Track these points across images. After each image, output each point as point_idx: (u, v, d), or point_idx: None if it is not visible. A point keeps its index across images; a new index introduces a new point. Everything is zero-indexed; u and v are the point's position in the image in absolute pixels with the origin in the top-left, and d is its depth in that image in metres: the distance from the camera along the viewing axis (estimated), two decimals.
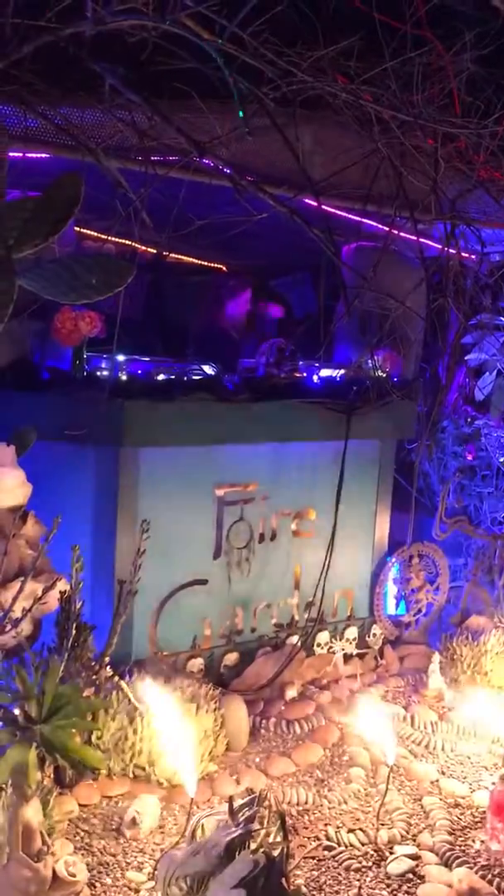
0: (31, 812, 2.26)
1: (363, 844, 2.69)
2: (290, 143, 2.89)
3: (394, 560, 4.27)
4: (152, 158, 3.25)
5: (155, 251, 5.28)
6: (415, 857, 2.62)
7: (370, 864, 2.60)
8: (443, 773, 3.17)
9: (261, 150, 3.40)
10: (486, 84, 3.37)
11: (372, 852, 2.65)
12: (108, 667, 3.01)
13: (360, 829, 2.75)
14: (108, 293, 2.13)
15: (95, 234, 4.96)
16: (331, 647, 3.91)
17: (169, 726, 2.73)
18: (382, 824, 2.77)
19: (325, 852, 2.64)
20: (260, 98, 2.78)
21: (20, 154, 3.27)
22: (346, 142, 3.42)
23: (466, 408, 5.40)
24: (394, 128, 3.14)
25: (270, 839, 2.24)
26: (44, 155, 3.45)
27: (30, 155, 3.34)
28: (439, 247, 4.07)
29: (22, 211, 2.19)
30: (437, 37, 3.24)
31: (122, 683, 3.02)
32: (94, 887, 2.41)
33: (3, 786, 2.24)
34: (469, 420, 5.34)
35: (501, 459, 5.06)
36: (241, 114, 2.49)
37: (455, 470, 5.15)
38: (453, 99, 3.35)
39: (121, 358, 3.57)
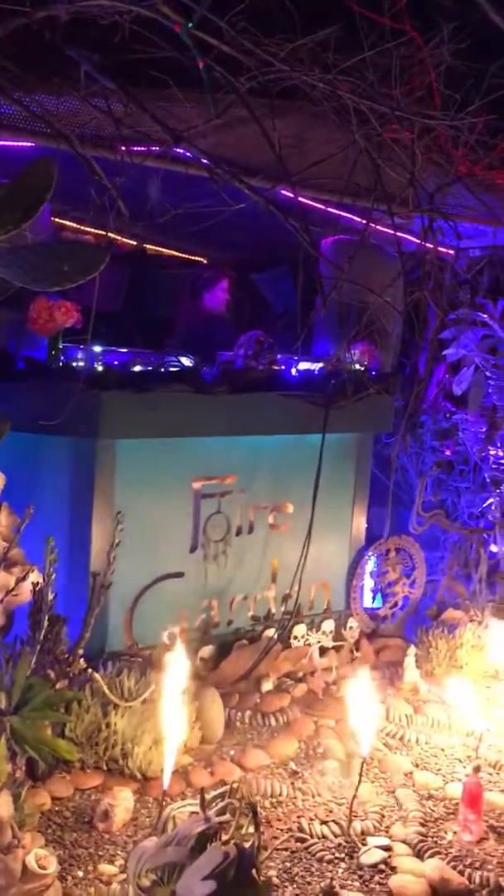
0: (1, 804, 2.24)
1: (336, 836, 2.69)
2: (266, 134, 2.88)
3: (371, 553, 4.28)
4: (130, 148, 3.22)
5: (133, 242, 5.26)
6: (387, 849, 2.63)
7: (342, 855, 2.61)
8: (417, 765, 3.18)
9: (238, 141, 3.39)
10: (465, 77, 3.37)
11: (344, 844, 2.66)
12: (82, 659, 2.99)
13: (334, 821, 2.75)
14: (82, 280, 2.10)
15: (73, 224, 4.94)
16: (307, 640, 3.91)
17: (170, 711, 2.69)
18: (355, 816, 2.77)
19: (298, 844, 2.64)
20: (236, 88, 2.77)
21: None
22: (323, 133, 3.41)
23: (445, 403, 5.42)
24: (372, 120, 3.13)
25: (242, 831, 2.24)
26: (19, 143, 3.42)
27: (3, 143, 3.32)
28: (418, 241, 4.07)
29: None
30: (415, 29, 3.24)
31: (96, 676, 3.00)
32: (66, 880, 2.40)
33: None
34: (447, 415, 5.36)
35: (478, 454, 5.08)
36: (210, 100, 2.47)
37: (432, 464, 5.16)
38: (432, 92, 3.35)
39: (97, 349, 3.54)
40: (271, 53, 2.81)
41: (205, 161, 3.01)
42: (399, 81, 3.18)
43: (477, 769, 2.80)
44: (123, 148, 3.04)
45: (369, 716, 2.87)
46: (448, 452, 5.32)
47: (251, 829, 2.25)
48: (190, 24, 2.34)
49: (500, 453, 5.06)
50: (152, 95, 2.98)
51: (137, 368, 3.60)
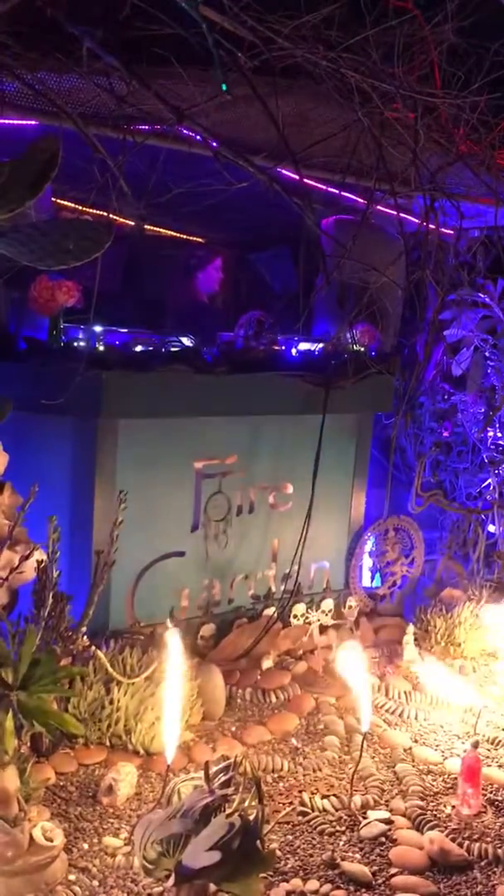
0: (8, 778, 2.27)
1: (337, 810, 2.73)
2: (270, 112, 2.87)
3: (370, 533, 4.31)
4: (132, 126, 3.21)
5: (131, 223, 5.23)
6: (387, 822, 2.67)
7: (343, 828, 2.64)
8: (416, 741, 3.22)
9: (240, 120, 3.37)
10: (467, 55, 3.36)
11: (345, 817, 2.70)
12: (85, 637, 3.01)
13: (335, 795, 2.79)
14: (86, 259, 2.10)
15: (73, 204, 4.92)
16: (307, 619, 3.94)
17: (171, 690, 2.72)
18: (356, 790, 2.81)
19: (300, 817, 2.68)
20: (240, 65, 2.75)
21: None
22: (325, 112, 3.40)
23: (443, 385, 5.43)
24: (374, 98, 3.12)
25: (246, 804, 2.27)
26: (20, 122, 3.40)
27: (5, 121, 3.30)
28: (418, 221, 4.07)
29: None
30: (417, 7, 3.22)
31: (99, 653, 3.03)
32: (71, 852, 2.43)
33: None
34: (445, 396, 5.37)
35: (477, 435, 5.10)
36: (218, 76, 2.46)
37: (431, 445, 5.18)
38: (434, 70, 3.34)
39: (98, 329, 3.55)
40: (274, 31, 2.79)
41: (209, 140, 2.99)
42: (401, 60, 3.16)
43: (475, 745, 2.84)
44: (125, 126, 3.03)
45: (365, 689, 2.91)
46: (446, 434, 5.34)
47: (254, 802, 2.28)
48: (198, 0, 2.33)
49: (499, 434, 5.08)
50: (154, 73, 2.97)
51: (138, 349, 3.61)
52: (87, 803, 2.69)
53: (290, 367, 3.94)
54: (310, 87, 3.20)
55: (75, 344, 3.57)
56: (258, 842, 2.16)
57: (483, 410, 5.09)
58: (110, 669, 3.00)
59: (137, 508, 3.35)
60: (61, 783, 2.79)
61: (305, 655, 3.80)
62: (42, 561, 2.77)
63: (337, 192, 4.00)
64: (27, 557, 2.68)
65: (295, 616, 3.93)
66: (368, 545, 4.32)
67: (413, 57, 3.30)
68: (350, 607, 4.12)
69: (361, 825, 2.65)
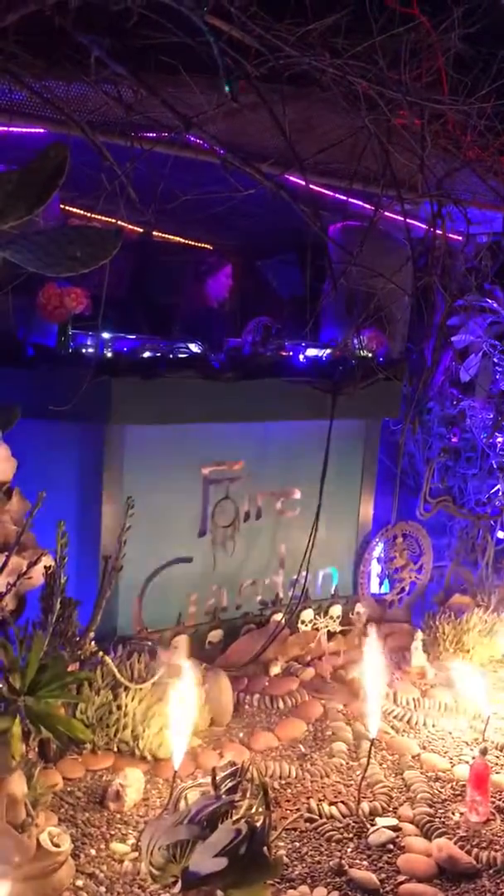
0: (15, 784, 2.27)
1: (345, 816, 2.72)
2: (277, 120, 2.88)
3: (378, 539, 4.30)
4: (140, 134, 3.23)
5: (141, 230, 5.26)
6: (395, 829, 2.66)
7: (351, 835, 2.64)
8: (424, 747, 3.21)
9: (247, 127, 3.39)
10: (474, 62, 3.36)
11: (353, 824, 2.69)
12: (93, 642, 3.01)
13: (342, 802, 2.78)
14: (94, 266, 2.12)
15: (81, 211, 4.95)
16: (315, 625, 3.93)
17: (180, 698, 2.72)
18: (364, 797, 2.80)
19: (307, 824, 2.67)
20: (247, 73, 2.77)
21: (5, 128, 3.24)
22: (332, 119, 3.41)
23: (452, 390, 5.42)
24: (381, 105, 3.13)
25: (253, 810, 2.27)
26: (28, 130, 3.43)
27: (14, 129, 3.33)
28: (425, 227, 4.07)
29: (6, 183, 2.17)
30: (424, 14, 3.23)
31: (107, 659, 3.03)
32: (79, 858, 2.44)
33: None
34: (454, 402, 5.36)
35: (486, 441, 5.09)
36: (226, 84, 2.47)
37: (440, 451, 5.17)
38: (441, 77, 3.35)
39: (106, 335, 3.56)
40: (281, 38, 2.80)
41: (216, 147, 3.01)
42: (408, 67, 3.17)
43: (484, 751, 2.82)
44: (133, 134, 3.04)
45: (378, 696, 2.91)
46: (454, 439, 5.33)
47: (261, 809, 2.28)
48: (204, 9, 2.34)
49: None
50: (162, 81, 2.98)
51: (146, 355, 3.62)
52: (95, 809, 2.70)
53: (298, 373, 3.94)
54: (316, 94, 3.21)
55: (83, 350, 3.58)
56: (265, 848, 2.16)
57: (492, 416, 5.07)
58: (118, 675, 3.01)
59: (145, 514, 3.35)
60: (69, 789, 2.80)
61: (313, 661, 3.80)
62: (50, 566, 2.78)
63: (344, 198, 4.01)
64: (35, 563, 2.68)
65: (303, 622, 3.92)
66: (377, 551, 4.31)
67: (420, 64, 3.30)
68: (358, 613, 4.12)
69: (369, 832, 2.64)
